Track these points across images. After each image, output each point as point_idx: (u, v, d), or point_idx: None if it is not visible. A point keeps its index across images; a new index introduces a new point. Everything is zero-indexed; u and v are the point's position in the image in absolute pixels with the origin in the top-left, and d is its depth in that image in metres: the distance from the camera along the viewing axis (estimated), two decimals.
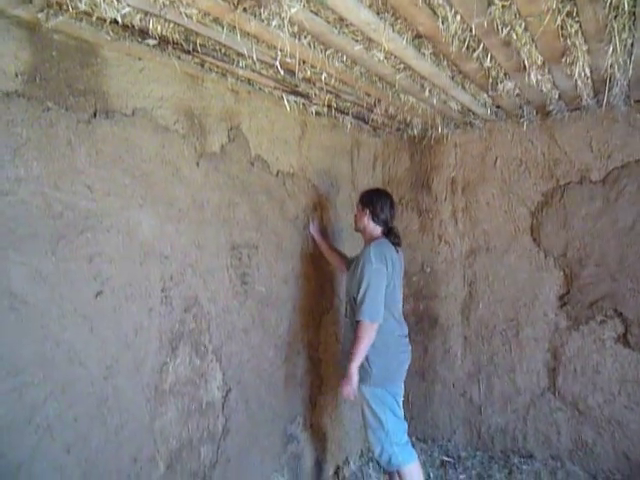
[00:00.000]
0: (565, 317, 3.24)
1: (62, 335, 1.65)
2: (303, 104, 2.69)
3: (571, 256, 3.23)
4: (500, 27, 1.71)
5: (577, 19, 1.72)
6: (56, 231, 1.64)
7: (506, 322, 3.43)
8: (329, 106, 2.73)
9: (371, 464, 3.41)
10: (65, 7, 1.45)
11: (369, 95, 2.57)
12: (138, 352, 1.93)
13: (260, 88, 2.39)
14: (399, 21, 1.69)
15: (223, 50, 1.88)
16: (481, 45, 1.91)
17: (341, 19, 1.63)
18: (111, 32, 1.65)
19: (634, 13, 1.68)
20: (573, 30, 1.79)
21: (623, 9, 1.63)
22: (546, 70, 2.24)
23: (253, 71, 2.12)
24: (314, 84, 2.32)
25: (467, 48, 1.91)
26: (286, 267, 2.82)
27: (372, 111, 2.92)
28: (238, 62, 2.00)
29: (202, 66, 2.06)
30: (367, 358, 2.54)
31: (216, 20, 1.60)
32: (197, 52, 1.86)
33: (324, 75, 2.13)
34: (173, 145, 2.10)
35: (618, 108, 3.00)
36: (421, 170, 3.76)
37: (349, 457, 3.41)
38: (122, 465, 1.86)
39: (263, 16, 1.55)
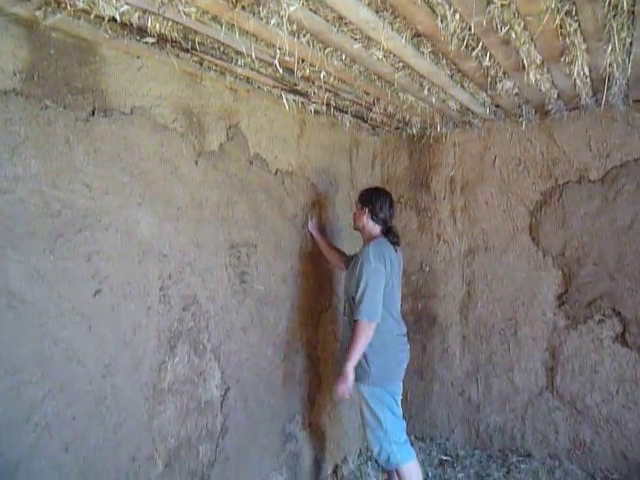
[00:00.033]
0: (563, 316, 3.24)
1: (60, 333, 1.65)
2: (302, 103, 2.69)
3: (569, 255, 3.23)
4: (499, 26, 1.71)
5: (576, 18, 1.72)
6: (54, 229, 1.63)
7: (504, 321, 3.43)
8: (328, 105, 2.73)
9: (370, 463, 3.41)
10: (63, 5, 1.45)
11: (368, 94, 2.57)
12: (136, 351, 1.93)
13: (259, 87, 2.39)
14: (398, 20, 1.69)
15: (222, 48, 1.88)
16: (480, 44, 1.90)
17: (340, 17, 1.63)
18: (109, 30, 1.65)
19: (633, 12, 1.68)
20: (572, 29, 1.79)
21: (622, 8, 1.63)
22: (545, 69, 2.24)
23: (252, 69, 2.12)
24: (313, 83, 2.32)
25: (466, 47, 1.91)
26: (285, 266, 2.82)
27: (371, 110, 2.92)
28: (237, 60, 2.00)
29: (201, 64, 2.06)
30: (365, 357, 2.54)
31: (215, 18, 1.59)
32: (196, 50, 1.86)
33: (323, 74, 2.13)
34: (172, 144, 2.09)
35: (617, 107, 3.00)
36: (420, 169, 3.76)
37: (348, 456, 3.42)
38: (120, 463, 1.86)
39: (262, 14, 1.55)
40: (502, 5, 1.58)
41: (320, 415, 3.15)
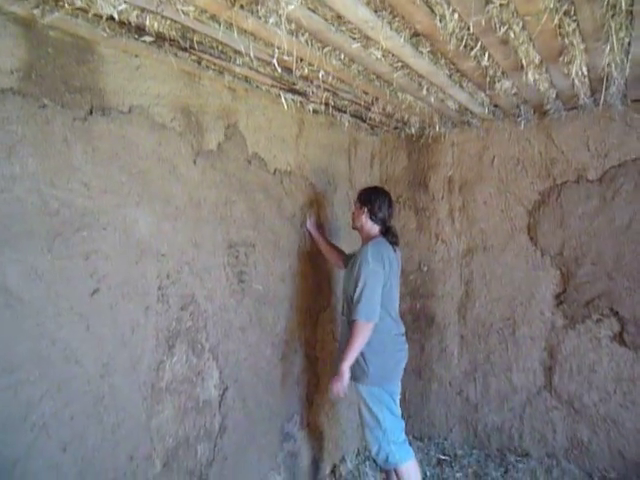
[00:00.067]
0: (561, 316, 3.25)
1: (58, 333, 1.65)
2: (300, 102, 2.68)
3: (567, 255, 3.23)
4: (498, 26, 1.71)
5: (574, 18, 1.72)
6: (52, 228, 1.63)
7: (502, 321, 3.43)
8: (326, 104, 2.72)
9: (368, 463, 3.41)
10: (61, 3, 1.45)
11: (367, 93, 2.56)
12: (134, 350, 1.92)
13: (257, 86, 2.39)
14: (397, 19, 1.68)
15: (220, 47, 1.88)
16: (479, 44, 1.90)
17: (339, 17, 1.63)
18: (107, 29, 1.64)
19: (631, 12, 1.68)
20: (570, 29, 1.79)
21: (620, 8, 1.63)
22: (543, 69, 2.25)
23: (250, 69, 2.11)
24: (311, 82, 2.32)
25: (465, 47, 1.91)
26: (283, 265, 2.82)
27: (370, 109, 2.92)
28: (235, 60, 2.00)
29: (199, 63, 2.05)
30: (364, 357, 2.54)
31: (213, 17, 1.59)
32: (194, 49, 1.86)
33: (321, 73, 2.13)
34: (170, 143, 2.09)
35: (615, 107, 3.01)
36: (418, 169, 3.76)
37: (346, 456, 3.42)
38: (118, 463, 1.86)
39: (260, 13, 1.55)
40: (501, 5, 1.58)
41: (318, 415, 3.15)
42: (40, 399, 1.59)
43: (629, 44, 1.98)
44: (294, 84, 2.36)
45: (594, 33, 1.84)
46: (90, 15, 1.52)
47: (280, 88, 2.43)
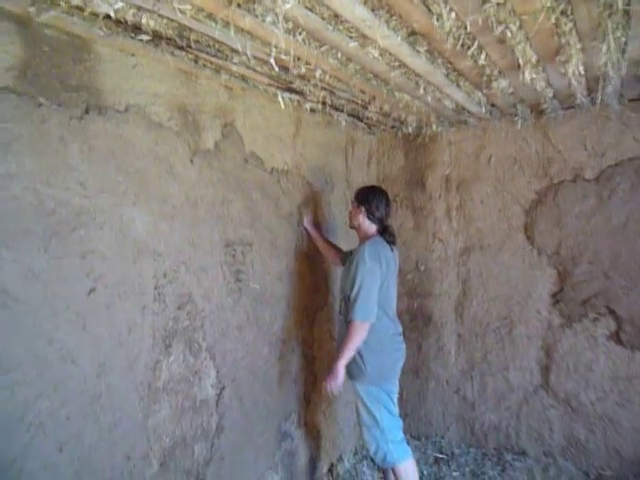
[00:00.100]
0: (558, 315, 3.26)
1: (54, 333, 1.64)
2: (298, 101, 2.68)
3: (564, 254, 3.24)
4: (495, 25, 1.71)
5: (571, 17, 1.73)
6: (48, 228, 1.62)
7: (499, 320, 3.44)
8: (324, 103, 2.72)
9: (365, 462, 3.42)
10: (57, 1, 1.44)
11: (364, 92, 2.56)
12: (131, 350, 1.92)
13: (254, 85, 2.38)
14: (394, 18, 1.68)
15: (217, 46, 1.87)
16: (476, 43, 1.90)
17: (336, 15, 1.63)
18: (104, 27, 1.64)
19: (628, 12, 1.69)
20: (567, 28, 1.80)
21: (617, 7, 1.64)
22: (540, 68, 2.25)
23: (247, 67, 2.11)
24: (309, 81, 2.32)
25: (462, 46, 1.91)
26: (280, 264, 2.82)
27: (367, 108, 2.92)
28: (232, 58, 1.99)
29: (196, 62, 2.05)
30: (361, 356, 2.54)
31: (210, 16, 1.59)
32: (191, 48, 1.85)
33: (319, 72, 2.13)
34: (167, 142, 2.08)
35: (612, 107, 3.01)
36: (415, 168, 3.76)
37: (343, 455, 3.42)
38: (115, 463, 1.86)
39: (257, 12, 1.54)
40: (498, 4, 1.58)
41: (316, 414, 3.15)
42: (36, 399, 1.59)
43: (625, 43, 1.98)
44: (291, 83, 2.36)
45: (591, 32, 1.85)
46: (86, 13, 1.52)
47: (277, 87, 2.42)
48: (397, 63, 2.10)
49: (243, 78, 2.29)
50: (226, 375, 2.40)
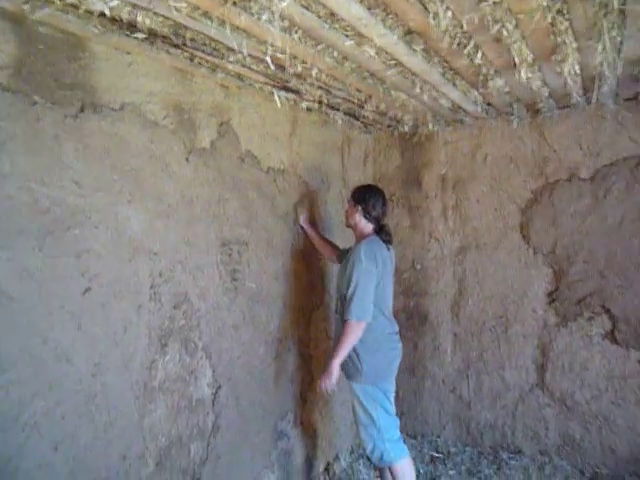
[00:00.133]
0: (553, 314, 3.27)
1: (49, 332, 1.63)
2: (294, 100, 2.68)
3: (560, 253, 3.25)
4: (491, 24, 1.72)
5: (567, 17, 1.73)
6: (43, 227, 1.61)
7: (495, 319, 3.45)
8: (320, 102, 2.72)
9: (361, 460, 3.42)
10: None
11: (360, 91, 2.56)
12: (127, 349, 1.91)
13: (250, 83, 2.38)
14: (390, 17, 1.68)
15: (213, 44, 1.87)
16: (472, 41, 1.91)
17: (332, 14, 1.63)
18: (99, 25, 1.63)
19: (623, 11, 1.69)
20: (563, 27, 1.80)
21: (612, 7, 1.64)
22: (536, 68, 2.25)
23: (243, 66, 2.10)
24: (305, 80, 2.31)
25: (458, 44, 1.91)
26: (276, 263, 2.81)
27: (363, 107, 2.92)
28: (228, 57, 1.99)
29: (191, 61, 2.04)
30: (358, 356, 2.54)
31: (206, 14, 1.58)
32: (186, 46, 1.85)
33: (315, 71, 2.12)
34: (162, 140, 2.08)
35: (607, 106, 3.03)
36: (412, 167, 3.76)
37: (339, 454, 3.42)
38: (111, 463, 1.85)
39: (253, 10, 1.54)
40: (494, 3, 1.59)
41: (312, 413, 3.15)
42: (31, 398, 1.58)
43: (621, 43, 1.99)
44: (287, 82, 2.36)
45: (586, 32, 1.85)
46: (81, 11, 1.51)
47: (273, 86, 2.42)
48: (393, 62, 2.10)
49: (239, 77, 2.28)
50: (222, 374, 2.40)
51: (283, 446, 2.86)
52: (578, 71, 2.34)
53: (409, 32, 1.82)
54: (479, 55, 2.04)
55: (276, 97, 2.49)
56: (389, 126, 3.59)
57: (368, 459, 3.00)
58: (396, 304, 3.36)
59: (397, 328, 2.74)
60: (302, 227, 3.01)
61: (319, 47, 1.89)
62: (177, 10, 1.51)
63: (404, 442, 2.67)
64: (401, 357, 2.74)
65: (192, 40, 1.80)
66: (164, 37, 1.75)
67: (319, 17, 1.64)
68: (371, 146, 3.90)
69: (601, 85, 2.56)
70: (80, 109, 1.74)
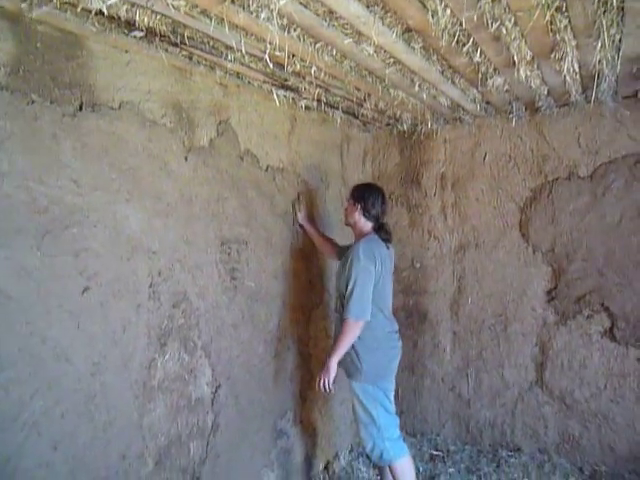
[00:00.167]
0: (553, 312, 3.27)
1: (48, 331, 1.63)
2: (293, 98, 2.67)
3: (559, 251, 3.25)
4: (490, 21, 1.71)
5: (566, 14, 1.73)
6: (41, 226, 1.61)
7: (495, 317, 3.45)
8: (319, 100, 2.72)
9: (361, 459, 3.42)
10: None
11: (359, 89, 2.56)
12: (126, 348, 1.91)
13: (249, 82, 2.37)
14: (389, 14, 1.68)
15: (211, 43, 1.86)
16: (471, 40, 1.90)
17: (331, 12, 1.62)
18: (97, 24, 1.63)
19: (622, 8, 1.69)
20: (562, 25, 1.80)
21: (612, 4, 1.64)
22: (535, 66, 2.25)
23: (242, 64, 2.10)
24: (304, 78, 2.31)
25: (457, 43, 1.91)
26: (276, 262, 2.81)
27: (362, 106, 2.91)
28: (227, 55, 1.98)
29: (190, 59, 2.04)
30: (357, 355, 2.54)
31: (204, 12, 1.58)
32: (185, 45, 1.84)
33: (314, 69, 2.12)
34: (161, 139, 2.07)
35: (606, 104, 3.02)
36: (411, 165, 3.76)
37: (339, 452, 3.42)
38: (110, 462, 1.85)
39: (252, 8, 1.53)
40: (493, 0, 1.58)
41: (311, 411, 3.15)
42: (31, 398, 1.58)
43: (620, 41, 1.99)
44: (286, 80, 2.35)
45: (585, 29, 1.85)
46: (79, 10, 1.50)
47: (272, 84, 2.41)
48: (392, 60, 2.09)
49: (238, 75, 2.28)
50: (221, 373, 2.39)
51: (283, 445, 2.86)
52: (577, 69, 2.33)
53: (408, 30, 1.81)
54: (478, 53, 2.04)
55: (275, 95, 2.49)
56: (388, 124, 3.58)
57: (368, 457, 3.00)
58: (395, 302, 3.36)
59: (397, 327, 2.74)
60: (301, 225, 3.01)
61: (318, 45, 1.89)
62: (175, 8, 1.50)
63: (404, 440, 2.67)
64: (401, 356, 2.74)
65: (190, 38, 1.79)
66: (162, 35, 1.75)
67: (318, 15, 1.64)
68: (370, 144, 3.89)
69: (600, 83, 2.56)
70: (78, 108, 1.74)
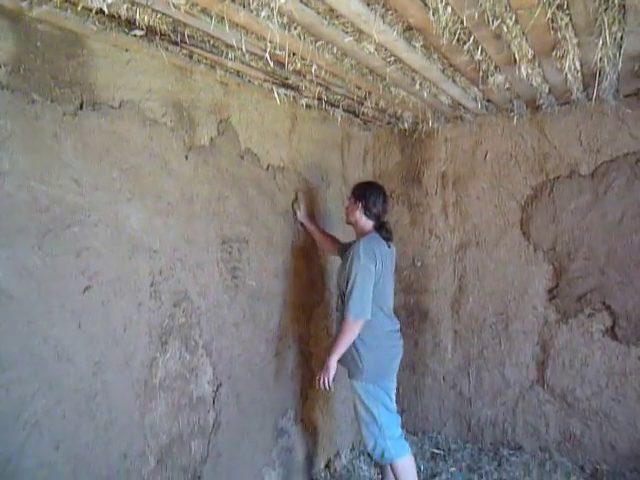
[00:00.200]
0: (554, 310, 3.26)
1: (50, 331, 1.63)
2: (293, 97, 2.67)
3: (560, 250, 3.25)
4: (491, 19, 1.71)
5: (567, 12, 1.72)
6: (43, 225, 1.61)
7: (496, 316, 3.44)
8: (319, 99, 2.71)
9: (362, 457, 3.42)
10: None
11: (359, 88, 2.55)
12: (127, 347, 1.91)
13: (250, 80, 2.37)
14: (390, 13, 1.68)
15: (212, 41, 1.86)
16: (472, 38, 1.90)
17: (331, 10, 1.62)
18: (97, 22, 1.63)
19: (624, 6, 1.68)
20: (563, 23, 1.79)
21: (613, 2, 1.64)
22: (536, 64, 2.24)
23: (242, 63, 2.10)
24: (304, 76, 2.31)
25: (458, 41, 1.91)
26: (277, 261, 2.81)
27: (363, 104, 2.91)
28: (227, 54, 1.98)
29: (190, 58, 2.04)
30: (358, 354, 2.54)
31: (204, 10, 1.57)
32: (185, 43, 1.84)
33: (314, 67, 2.12)
34: (161, 138, 2.07)
35: (607, 102, 3.02)
36: (412, 164, 3.76)
37: (340, 450, 3.42)
38: (112, 461, 1.85)
39: (252, 6, 1.53)
40: None
41: (312, 410, 3.15)
42: (32, 397, 1.58)
43: (622, 38, 1.98)
44: (287, 79, 2.35)
45: (587, 27, 1.84)
46: (79, 8, 1.50)
47: (273, 83, 2.41)
48: (393, 58, 2.09)
49: (238, 74, 2.27)
50: (222, 372, 2.40)
51: (284, 443, 2.86)
52: (578, 67, 2.33)
53: (409, 28, 1.81)
54: (479, 51, 2.04)
55: (275, 94, 2.48)
56: (389, 123, 3.58)
57: (369, 456, 3.01)
58: (396, 301, 3.36)
59: (398, 325, 2.73)
60: (301, 223, 3.01)
61: (318, 43, 1.89)
62: (175, 7, 1.50)
63: (405, 439, 2.67)
64: (402, 354, 2.74)
65: (191, 37, 1.79)
66: (163, 34, 1.75)
67: (318, 13, 1.63)
68: (371, 143, 3.89)
69: (601, 81, 2.55)
70: (79, 107, 1.74)
